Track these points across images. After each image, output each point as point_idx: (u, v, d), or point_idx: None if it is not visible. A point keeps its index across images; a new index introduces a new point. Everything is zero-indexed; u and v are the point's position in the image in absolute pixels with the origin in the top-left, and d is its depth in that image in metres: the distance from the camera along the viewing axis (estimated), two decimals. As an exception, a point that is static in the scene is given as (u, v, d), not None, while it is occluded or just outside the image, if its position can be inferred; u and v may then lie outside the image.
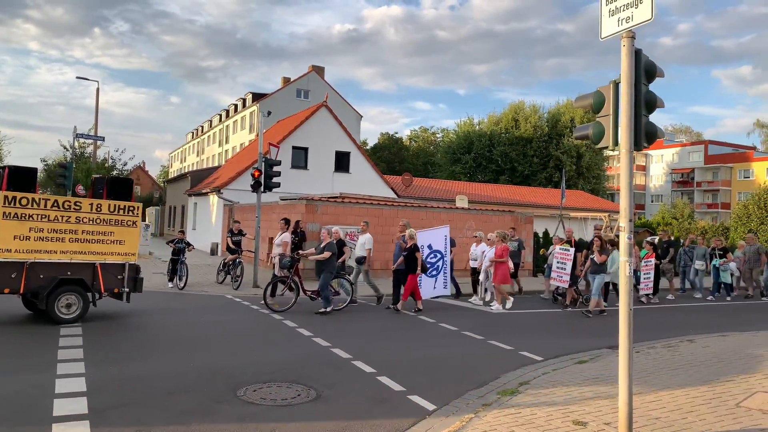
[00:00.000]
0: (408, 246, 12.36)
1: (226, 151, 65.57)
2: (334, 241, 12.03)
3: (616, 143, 5.36)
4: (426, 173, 59.31)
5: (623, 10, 5.14)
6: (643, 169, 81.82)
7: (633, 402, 5.11)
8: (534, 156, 52.05)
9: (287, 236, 14.47)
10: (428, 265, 13.19)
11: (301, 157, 28.98)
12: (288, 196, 21.18)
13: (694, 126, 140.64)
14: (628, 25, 5.08)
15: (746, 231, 28.90)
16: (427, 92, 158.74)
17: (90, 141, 33.39)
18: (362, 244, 13.30)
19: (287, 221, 14.84)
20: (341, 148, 30.24)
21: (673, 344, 9.54)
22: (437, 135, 76.53)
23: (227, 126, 67.64)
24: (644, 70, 5.35)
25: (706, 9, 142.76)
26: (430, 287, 13.50)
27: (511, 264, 13.74)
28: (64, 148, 34.24)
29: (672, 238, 18.55)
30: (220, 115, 72.54)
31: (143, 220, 38.35)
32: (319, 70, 58.99)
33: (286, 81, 60.26)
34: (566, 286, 13.80)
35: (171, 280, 14.69)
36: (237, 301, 12.97)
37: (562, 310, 13.50)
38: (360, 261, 13.10)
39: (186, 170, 71.01)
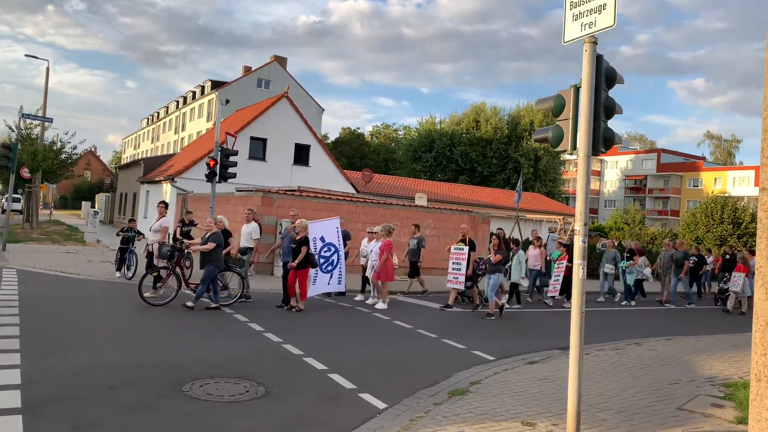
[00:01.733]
0: (298, 237, 11.38)
1: (182, 138, 64.12)
2: (220, 231, 11.14)
3: (574, 147, 5.38)
4: (387, 170, 59.30)
5: (587, 15, 5.16)
6: (598, 174, 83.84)
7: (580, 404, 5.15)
8: (493, 157, 52.67)
9: (167, 221, 13.12)
10: (322, 260, 12.23)
11: (259, 148, 28.53)
12: (245, 187, 20.79)
13: (648, 134, 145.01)
14: (590, 30, 5.11)
15: (693, 238, 29.97)
16: (391, 89, 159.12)
17: (37, 123, 32.10)
18: (248, 234, 12.50)
19: (166, 204, 13.65)
20: (301, 140, 29.92)
21: (621, 347, 9.74)
22: (399, 132, 76.65)
23: (184, 113, 66.14)
24: (605, 76, 5.40)
25: (665, 21, 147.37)
26: (324, 283, 12.47)
27: (395, 260, 12.99)
28: (10, 128, 32.82)
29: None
30: (177, 102, 70.87)
31: (92, 206, 37.28)
32: (281, 61, 58.26)
33: (247, 70, 59.30)
34: (461, 287, 13.14)
35: (119, 269, 14.22)
36: (187, 292, 12.61)
37: (473, 311, 12.84)
38: (245, 252, 12.31)
39: (140, 157, 69.12)
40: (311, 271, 11.85)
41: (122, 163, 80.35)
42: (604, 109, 5.43)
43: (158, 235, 12.71)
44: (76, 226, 33.96)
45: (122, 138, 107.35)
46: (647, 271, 17.77)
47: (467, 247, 12.94)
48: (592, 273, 21.24)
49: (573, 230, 5.31)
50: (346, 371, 6.94)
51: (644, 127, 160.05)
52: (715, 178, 72.24)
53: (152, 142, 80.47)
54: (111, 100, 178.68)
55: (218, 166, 14.87)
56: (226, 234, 11.62)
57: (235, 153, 15.37)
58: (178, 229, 14.85)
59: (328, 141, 70.54)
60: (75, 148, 34.27)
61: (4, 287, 11.40)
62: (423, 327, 10.36)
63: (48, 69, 31.49)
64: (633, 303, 16.63)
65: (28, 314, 8.90)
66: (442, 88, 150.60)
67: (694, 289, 19.61)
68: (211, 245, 10.64)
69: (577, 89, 5.38)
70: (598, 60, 5.31)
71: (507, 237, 14.38)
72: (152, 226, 13.06)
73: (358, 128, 76.87)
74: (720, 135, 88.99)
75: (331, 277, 12.52)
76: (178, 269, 11.03)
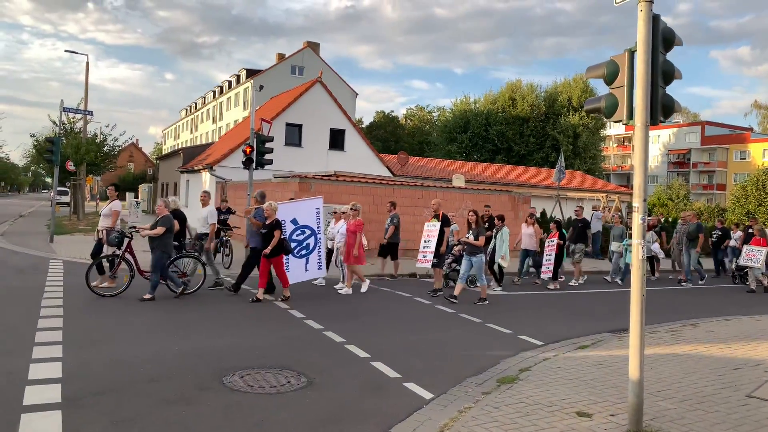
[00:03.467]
0: (269, 222, 10.34)
1: (220, 128, 64.77)
2: (171, 214, 10.30)
3: (630, 117, 4.97)
4: (422, 152, 58.75)
5: (641, -28, 4.73)
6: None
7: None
8: (530, 135, 51.59)
9: (117, 205, 11.65)
10: (293, 244, 11.08)
11: (294, 134, 28.43)
12: (281, 173, 20.72)
13: (691, 107, 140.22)
14: (646, -13, 4.67)
15: (743, 213, 28.74)
16: (424, 71, 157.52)
17: (80, 117, 32.68)
18: (204, 218, 11.48)
19: (117, 187, 12.70)
20: (336, 125, 29.69)
21: (676, 329, 9.27)
22: (433, 114, 75.80)
23: (221, 103, 66.76)
24: (662, 38, 4.97)
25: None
26: (301, 270, 11.39)
27: (365, 241, 12.01)
28: (54, 123, 33.52)
29: (584, 218, 15.52)
30: (214, 92, 71.56)
31: (135, 197, 38.04)
32: (314, 47, 58.09)
33: (281, 57, 59.29)
34: (428, 265, 12.10)
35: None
36: (228, 280, 12.59)
37: (432, 295, 11.57)
38: (201, 238, 11.33)
39: (179, 147, 70.22)
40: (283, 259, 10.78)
41: (162, 153, 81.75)
42: (662, 73, 5.00)
43: (108, 220, 11.31)
44: (121, 216, 34.60)
45: (162, 129, 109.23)
46: (655, 246, 16.27)
47: (439, 224, 11.94)
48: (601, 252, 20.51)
49: (632, 207, 4.91)
50: (389, 359, 6.71)
51: (686, 99, 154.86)
52: (764, 150, 69.16)
53: (191, 132, 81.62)
54: (151, 93, 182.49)
55: (254, 153, 14.77)
56: (180, 217, 10.80)
57: (271, 139, 15.25)
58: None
59: (363, 125, 70.27)
60: (116, 140, 34.83)
61: (51, 278, 11.56)
62: (465, 311, 10.06)
63: (87, 64, 31.99)
64: (620, 281, 14.95)
65: (72, 305, 8.95)
66: (476, 68, 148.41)
67: (711, 266, 18.32)
68: (160, 230, 9.83)
69: (632, 53, 4.97)
70: (655, 20, 4.88)
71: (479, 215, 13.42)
72: (102, 211, 11.83)
73: (392, 111, 76.61)
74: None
75: (307, 263, 11.46)
76: (129, 256, 10.28)
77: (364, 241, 12.07)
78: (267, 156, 14.94)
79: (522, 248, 14.37)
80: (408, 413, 5.11)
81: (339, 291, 11.59)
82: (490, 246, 13.03)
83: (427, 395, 5.61)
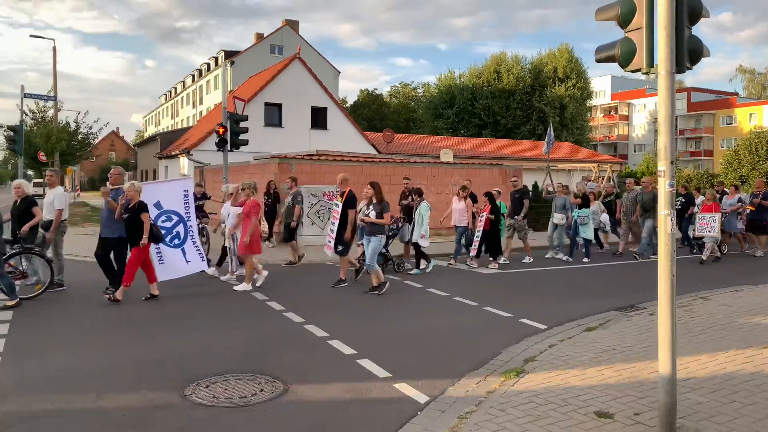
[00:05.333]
0: (132, 205, 8.57)
1: (201, 112, 63.26)
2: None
3: (651, 64, 4.17)
4: (408, 130, 57.74)
5: None
6: (626, 119, 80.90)
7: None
8: (517, 108, 50.76)
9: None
10: (162, 231, 9.28)
11: (274, 114, 27.41)
12: (261, 155, 19.80)
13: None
14: None
15: (737, 177, 28.20)
16: (408, 48, 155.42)
17: (51, 105, 31.40)
18: (49, 203, 9.36)
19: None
20: (317, 103, 28.68)
21: (686, 303, 8.58)
22: (418, 90, 74.62)
23: (200, 86, 65.16)
24: (687, -34, 4.16)
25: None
26: (180, 262, 9.67)
27: (264, 227, 10.51)
28: (24, 112, 32.20)
29: (524, 187, 14.28)
30: (193, 76, 69.84)
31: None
32: (293, 24, 56.60)
33: (259, 37, 57.75)
34: (331, 252, 10.16)
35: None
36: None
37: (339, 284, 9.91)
38: (46, 227, 9.22)
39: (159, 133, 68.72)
40: (153, 249, 9.17)
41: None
42: (688, 11, 4.20)
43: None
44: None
45: (142, 116, 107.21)
46: (604, 217, 15.08)
47: (342, 204, 9.97)
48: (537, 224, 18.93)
49: (658, 171, 4.13)
50: (377, 355, 5.96)
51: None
52: (750, 114, 68.81)
53: (172, 118, 79.96)
54: (132, 81, 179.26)
55: (228, 133, 13.84)
56: (29, 203, 8.95)
57: (245, 118, 14.33)
58: (191, 204, 13.99)
59: (347, 105, 68.99)
60: (90, 128, 33.63)
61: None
62: (460, 294, 9.32)
63: (54, 49, 30.66)
64: (585, 259, 13.53)
65: (23, 308, 8.08)
66: (460, 43, 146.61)
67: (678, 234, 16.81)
68: None
69: (651, -13, 4.15)
70: (678, -54, 4.06)
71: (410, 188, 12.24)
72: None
73: (377, 89, 75.15)
74: (753, 69, 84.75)
75: (185, 254, 9.71)
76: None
77: (263, 226, 10.43)
78: (242, 136, 14.04)
79: (454, 225, 12.88)
80: (401, 423, 4.36)
81: (234, 287, 9.65)
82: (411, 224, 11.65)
83: (421, 398, 4.87)
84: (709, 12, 4.50)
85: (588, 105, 57.00)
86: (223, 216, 10.76)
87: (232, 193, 10.68)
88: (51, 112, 32.67)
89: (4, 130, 32.26)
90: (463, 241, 12.79)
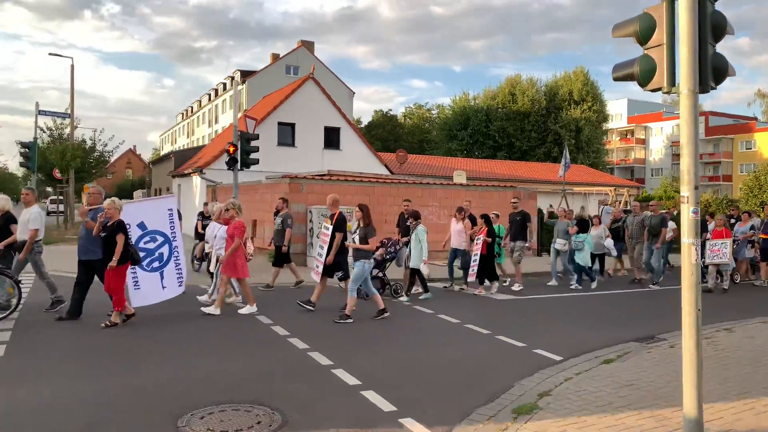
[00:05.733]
0: (110, 223, 8.07)
1: (216, 131, 63.69)
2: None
3: (672, 83, 3.94)
4: (422, 151, 57.65)
5: None
6: (643, 142, 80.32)
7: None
8: (532, 131, 50.53)
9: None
10: (143, 254, 8.84)
11: (287, 134, 27.38)
12: (274, 175, 19.70)
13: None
14: None
15: (758, 203, 27.62)
16: (423, 70, 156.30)
17: (68, 122, 31.68)
18: (24, 222, 8.92)
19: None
20: (331, 123, 28.63)
21: (709, 334, 8.19)
22: (432, 112, 74.70)
23: (216, 106, 65.72)
24: (712, -18, 3.93)
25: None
26: (156, 287, 9.13)
27: (249, 248, 10.04)
28: (41, 129, 32.52)
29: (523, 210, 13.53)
30: (209, 95, 70.52)
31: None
32: (308, 45, 57.04)
33: (275, 57, 58.27)
34: (318, 278, 9.67)
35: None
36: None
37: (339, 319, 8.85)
38: (20, 247, 8.87)
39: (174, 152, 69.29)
40: (129, 273, 8.63)
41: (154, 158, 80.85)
42: (712, 27, 3.97)
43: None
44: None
45: (159, 135, 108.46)
46: (608, 242, 14.23)
47: (332, 227, 9.62)
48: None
49: (681, 197, 3.85)
50: (383, 387, 5.67)
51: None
52: (770, 139, 68.04)
53: (188, 136, 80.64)
54: (150, 100, 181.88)
55: (239, 152, 13.73)
56: (7, 219, 8.80)
57: (256, 137, 14.22)
58: (199, 223, 13.86)
59: (362, 125, 69.18)
60: (106, 145, 33.81)
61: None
62: (472, 321, 9.00)
63: (72, 67, 30.98)
64: (579, 286, 12.89)
65: (22, 330, 7.87)
66: (475, 65, 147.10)
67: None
68: None
69: (671, 2, 3.92)
70: (703, -40, 3.84)
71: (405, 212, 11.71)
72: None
73: (391, 110, 75.38)
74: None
75: (163, 279, 9.17)
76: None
77: (249, 248, 9.98)
78: (253, 155, 13.91)
79: (451, 248, 12.40)
80: (404, 464, 4.07)
81: (205, 310, 9.11)
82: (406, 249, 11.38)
83: (428, 435, 4.57)
84: (734, 29, 4.27)
85: (604, 128, 56.71)
86: (209, 236, 10.37)
87: (215, 211, 10.24)
88: (68, 130, 32.99)
89: (20, 148, 32.63)
90: (457, 263, 12.33)
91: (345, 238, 9.62)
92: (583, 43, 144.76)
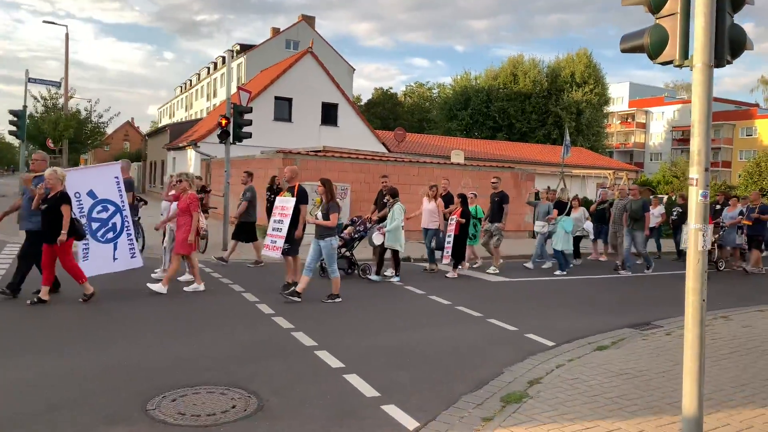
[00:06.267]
0: (52, 194, 7.47)
1: (215, 105, 62.96)
2: None
3: (685, 55, 3.63)
4: (421, 130, 57.10)
5: None
6: (643, 126, 79.78)
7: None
8: (533, 112, 49.99)
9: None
10: (95, 224, 8.44)
11: (284, 109, 26.96)
12: (270, 150, 19.36)
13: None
14: None
15: (757, 189, 27.39)
16: (426, 48, 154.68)
17: (64, 92, 31.14)
18: None
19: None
20: (328, 99, 28.19)
21: (706, 323, 7.96)
22: (433, 91, 73.92)
23: (214, 79, 64.87)
24: (731, -55, 3.61)
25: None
26: (107, 258, 8.64)
27: (203, 222, 9.53)
28: (35, 99, 31.99)
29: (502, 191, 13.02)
30: (208, 68, 69.61)
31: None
32: (309, 20, 56.11)
33: (275, 32, 57.38)
34: (277, 254, 9.20)
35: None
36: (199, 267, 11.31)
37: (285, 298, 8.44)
38: None
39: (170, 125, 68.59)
40: (78, 244, 8.22)
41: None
42: (731, -4, 3.65)
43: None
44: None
45: (157, 108, 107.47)
46: (588, 225, 13.96)
47: (294, 200, 9.10)
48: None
49: (688, 179, 3.58)
50: (366, 370, 5.44)
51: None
52: (772, 126, 67.63)
53: (186, 110, 79.85)
54: (150, 73, 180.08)
55: (231, 125, 13.37)
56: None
57: (249, 110, 13.85)
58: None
59: (361, 103, 68.48)
60: (101, 116, 33.33)
61: (-3, 266, 10.23)
62: (464, 303, 8.78)
63: (67, 35, 30.32)
64: (564, 273, 12.38)
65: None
66: (478, 45, 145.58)
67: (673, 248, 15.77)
68: None
69: (688, -32, 3.60)
70: None
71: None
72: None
73: (391, 88, 74.57)
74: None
75: (116, 249, 8.68)
76: None
77: (202, 222, 9.42)
78: (246, 129, 13.54)
79: (422, 227, 11.93)
80: (383, 454, 3.85)
81: (152, 287, 8.53)
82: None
83: (410, 424, 4.35)
84: (741, 14, 3.96)
85: (605, 111, 56.15)
86: (164, 208, 9.92)
87: (173, 184, 9.58)
88: (63, 100, 32.47)
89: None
90: (433, 245, 11.81)
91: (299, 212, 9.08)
92: (587, 26, 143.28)
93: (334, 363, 5.63)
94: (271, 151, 17.35)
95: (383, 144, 29.51)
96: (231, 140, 13.39)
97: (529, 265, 12.91)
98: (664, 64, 3.71)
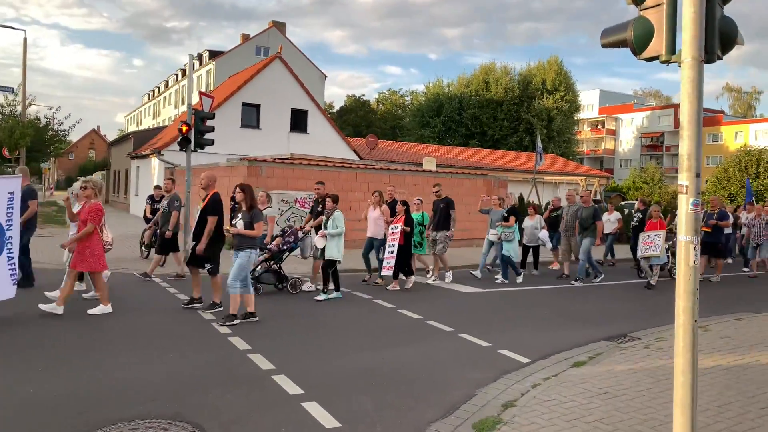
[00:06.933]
0: None
1: (183, 112, 61.94)
2: None
3: (672, 50, 3.28)
4: (394, 137, 56.86)
5: None
6: (613, 133, 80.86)
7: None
8: (504, 119, 50.16)
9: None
10: None
11: (252, 115, 26.34)
12: (236, 157, 18.78)
13: (663, 90, 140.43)
14: None
15: (725, 195, 27.68)
16: (399, 56, 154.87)
17: (22, 98, 30.05)
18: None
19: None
20: (298, 105, 27.66)
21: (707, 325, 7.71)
22: (406, 98, 73.85)
23: (183, 86, 63.76)
24: (720, -71, 3.28)
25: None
26: None
27: (108, 236, 8.63)
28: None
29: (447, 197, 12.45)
30: (176, 75, 68.48)
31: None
32: (279, 26, 55.60)
33: (246, 38, 56.69)
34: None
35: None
36: (155, 281, 10.72)
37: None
38: None
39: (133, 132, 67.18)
40: None
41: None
42: (719, -15, 3.32)
43: None
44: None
45: (124, 115, 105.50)
46: (543, 234, 13.54)
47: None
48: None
49: (679, 186, 3.23)
50: (328, 397, 4.98)
51: (657, 83, 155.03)
52: (736, 132, 68.94)
53: (153, 117, 78.45)
54: (119, 80, 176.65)
55: (192, 132, 12.80)
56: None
57: (212, 116, 13.29)
58: (148, 207, 12.98)
59: (333, 110, 68.00)
60: (62, 124, 32.33)
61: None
62: (435, 316, 8.37)
63: (25, 40, 29.48)
64: (506, 281, 12.03)
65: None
66: (451, 53, 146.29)
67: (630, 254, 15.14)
68: None
69: (673, -46, 3.26)
70: None
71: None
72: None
73: (363, 95, 74.26)
74: (740, 87, 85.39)
75: None
76: None
77: (107, 236, 8.52)
78: (208, 136, 12.98)
79: (367, 237, 11.32)
80: (341, 500, 3.39)
81: (43, 308, 7.58)
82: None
83: (373, 460, 3.91)
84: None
85: (575, 118, 56.68)
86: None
87: (75, 194, 8.77)
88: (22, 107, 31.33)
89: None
90: (381, 255, 11.04)
91: (221, 224, 8.27)
92: (558, 34, 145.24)
93: (293, 389, 5.15)
94: (236, 159, 16.79)
95: (355, 151, 29.09)
96: (192, 148, 12.82)
97: (477, 273, 12.35)
98: (648, 60, 3.36)
